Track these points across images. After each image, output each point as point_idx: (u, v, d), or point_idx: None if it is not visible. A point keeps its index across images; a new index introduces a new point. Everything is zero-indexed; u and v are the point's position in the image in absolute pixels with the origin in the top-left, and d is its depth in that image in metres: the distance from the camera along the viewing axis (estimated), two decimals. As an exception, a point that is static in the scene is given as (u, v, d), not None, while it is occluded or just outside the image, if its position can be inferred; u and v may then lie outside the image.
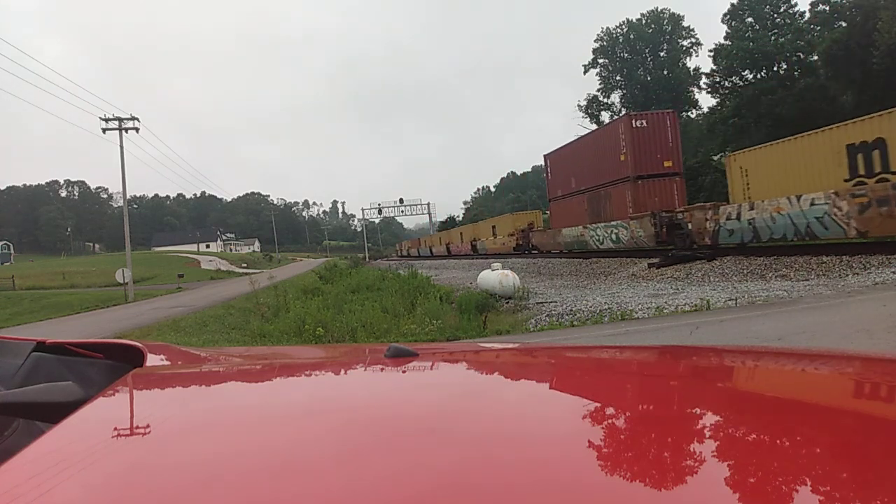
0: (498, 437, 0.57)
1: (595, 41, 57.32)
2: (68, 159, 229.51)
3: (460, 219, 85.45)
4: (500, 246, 35.80)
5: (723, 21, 42.80)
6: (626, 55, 55.84)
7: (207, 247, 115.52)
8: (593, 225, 22.07)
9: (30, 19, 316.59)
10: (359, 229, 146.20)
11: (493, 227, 39.21)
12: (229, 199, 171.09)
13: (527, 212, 38.25)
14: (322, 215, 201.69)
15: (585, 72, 57.68)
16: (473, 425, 0.61)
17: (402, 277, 20.07)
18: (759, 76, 39.36)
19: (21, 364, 0.96)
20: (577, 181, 24.16)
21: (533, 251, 29.97)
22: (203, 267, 72.29)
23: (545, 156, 28.43)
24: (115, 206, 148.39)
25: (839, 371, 0.87)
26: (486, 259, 33.16)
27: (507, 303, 12.20)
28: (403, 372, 0.88)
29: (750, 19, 41.72)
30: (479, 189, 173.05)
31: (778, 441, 0.54)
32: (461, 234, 49.28)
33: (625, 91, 55.60)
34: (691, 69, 53.35)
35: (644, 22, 56.05)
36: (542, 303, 11.54)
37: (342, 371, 1.01)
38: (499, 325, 9.41)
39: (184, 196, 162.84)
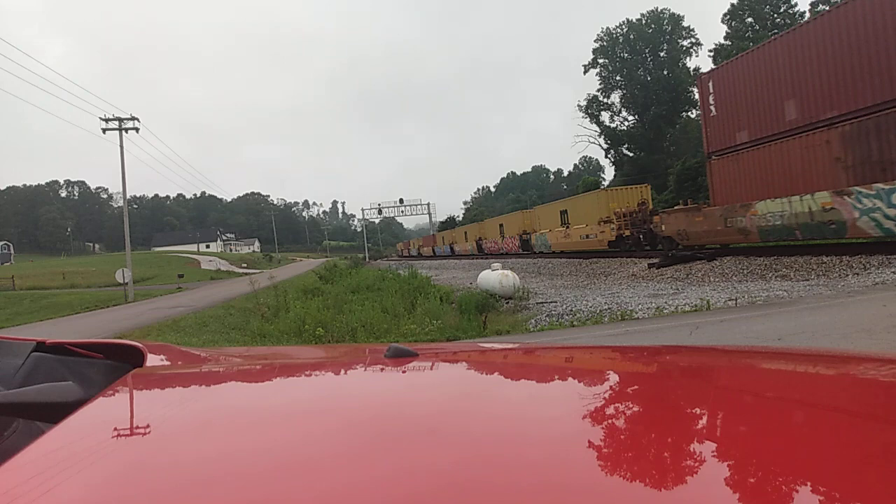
0: (498, 437, 0.57)
1: (595, 41, 57.48)
2: (68, 159, 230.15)
3: (460, 219, 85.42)
4: (578, 241, 24.20)
5: (723, 21, 42.90)
6: (626, 55, 55.88)
7: (207, 247, 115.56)
8: (879, 188, 10.88)
9: (31, 20, 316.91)
10: (359, 229, 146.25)
11: (564, 212, 26.47)
12: (229, 199, 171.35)
13: (629, 187, 24.63)
14: (322, 215, 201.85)
15: (585, 72, 57.78)
16: (474, 426, 0.61)
17: (402, 277, 20.08)
18: (759, 76, 39.33)
19: (21, 364, 0.96)
20: (809, 106, 12.56)
21: (645, 247, 19.40)
22: (203, 267, 72.25)
23: (704, 76, 16.42)
24: (115, 206, 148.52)
25: (839, 371, 0.86)
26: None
27: (507, 303, 12.21)
28: (403, 372, 0.88)
29: (750, 19, 41.78)
30: (479, 189, 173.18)
31: (778, 441, 0.54)
32: (501, 226, 37.28)
33: (625, 91, 55.65)
34: (691, 69, 53.40)
35: (644, 22, 56.09)
36: (542, 303, 11.55)
37: (342, 371, 1.01)
38: (499, 325, 9.41)
39: (184, 196, 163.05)
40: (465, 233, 45.84)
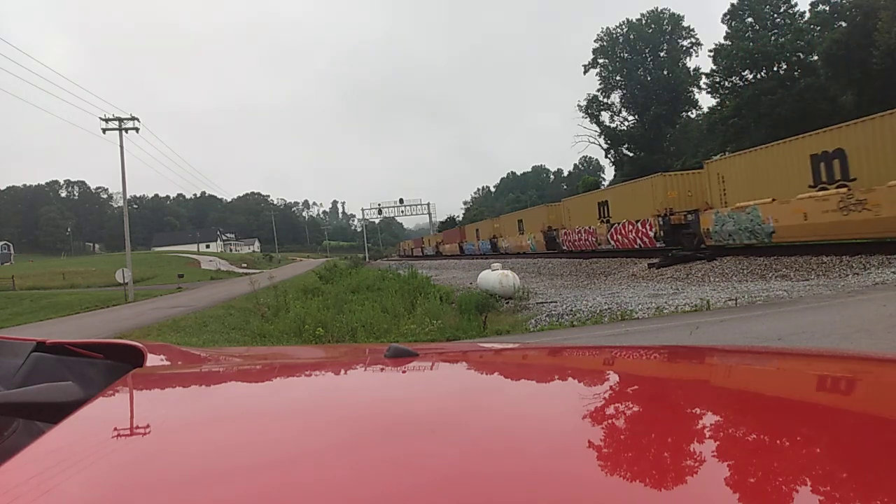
0: (498, 436, 0.57)
1: (595, 41, 57.41)
2: (68, 159, 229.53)
3: (460, 219, 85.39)
4: None
5: (723, 21, 42.85)
6: (626, 55, 55.85)
7: (207, 247, 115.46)
8: None
9: (31, 19, 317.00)
10: (359, 229, 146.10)
11: (829, 158, 11.89)
12: (229, 199, 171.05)
13: None
14: (322, 215, 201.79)
15: (585, 72, 57.74)
16: (474, 425, 0.61)
17: (401, 277, 20.09)
18: (759, 76, 39.36)
19: (21, 364, 0.96)
20: None
21: None
22: (203, 267, 72.16)
23: None
24: (115, 206, 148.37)
25: (839, 371, 0.86)
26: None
27: (507, 303, 12.21)
28: (403, 372, 0.88)
29: (750, 19, 41.75)
30: (479, 189, 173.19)
31: (778, 441, 0.54)
32: (603, 204, 20.53)
33: (625, 91, 55.64)
34: (691, 69, 53.41)
35: (644, 22, 56.06)
36: (542, 303, 11.55)
37: (342, 371, 1.01)
38: (499, 325, 9.42)
39: (184, 196, 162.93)
40: (519, 221, 29.90)
